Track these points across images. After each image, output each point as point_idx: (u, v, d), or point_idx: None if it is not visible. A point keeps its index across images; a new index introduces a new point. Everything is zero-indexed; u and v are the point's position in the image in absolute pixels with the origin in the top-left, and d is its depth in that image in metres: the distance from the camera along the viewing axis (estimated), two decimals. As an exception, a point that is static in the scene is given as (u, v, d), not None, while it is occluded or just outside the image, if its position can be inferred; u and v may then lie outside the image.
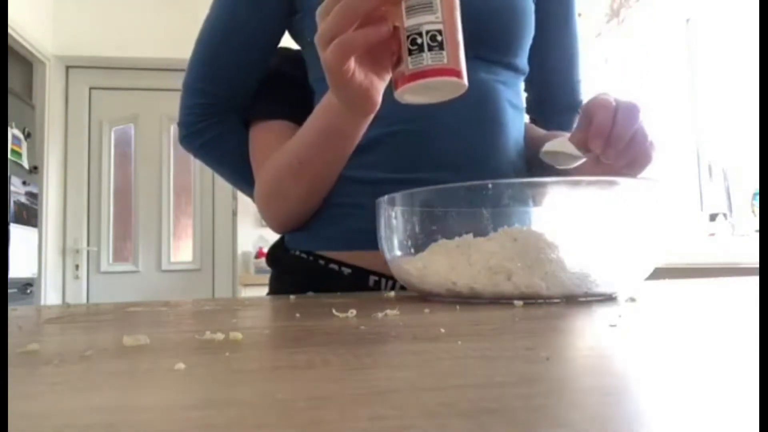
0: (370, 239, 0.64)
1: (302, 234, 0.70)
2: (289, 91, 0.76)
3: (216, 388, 0.18)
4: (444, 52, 0.39)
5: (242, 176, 0.76)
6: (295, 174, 0.65)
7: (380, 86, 0.49)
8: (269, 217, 0.72)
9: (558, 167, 0.60)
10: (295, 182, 0.65)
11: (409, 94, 0.42)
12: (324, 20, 0.44)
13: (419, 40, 0.39)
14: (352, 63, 0.45)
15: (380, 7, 0.42)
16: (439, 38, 0.39)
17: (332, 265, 0.67)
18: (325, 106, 0.59)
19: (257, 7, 0.71)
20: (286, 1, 0.72)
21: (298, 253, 0.70)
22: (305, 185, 0.66)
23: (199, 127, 0.76)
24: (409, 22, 0.39)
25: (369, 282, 0.65)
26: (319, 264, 0.68)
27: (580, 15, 0.55)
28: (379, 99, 0.50)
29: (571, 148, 0.57)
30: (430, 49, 0.38)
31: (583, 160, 0.57)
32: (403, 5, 0.39)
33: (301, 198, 0.67)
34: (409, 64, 0.39)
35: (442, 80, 0.39)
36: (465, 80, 0.41)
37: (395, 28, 0.40)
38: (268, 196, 0.69)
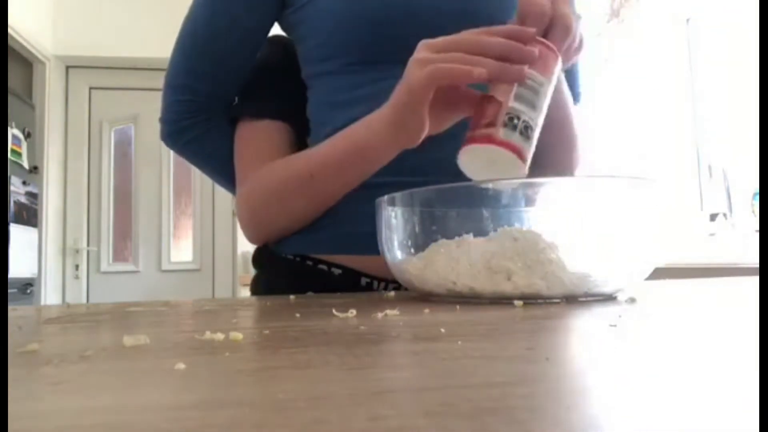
0: (361, 243, 0.62)
1: (290, 238, 0.67)
2: (279, 86, 0.73)
3: (216, 388, 0.18)
4: (529, 143, 0.45)
5: (228, 175, 0.74)
6: (304, 188, 0.62)
7: (430, 128, 0.51)
8: (257, 227, 0.69)
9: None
10: (301, 197, 0.63)
11: (473, 155, 0.46)
12: (433, 51, 0.48)
13: (516, 122, 0.44)
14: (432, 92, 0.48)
15: (494, 80, 0.46)
16: (529, 132, 0.45)
17: (321, 266, 0.65)
18: (366, 126, 0.57)
19: (246, 1, 0.69)
20: None
21: (284, 255, 0.68)
22: (312, 201, 0.63)
23: (182, 125, 0.73)
24: (513, 104, 0.45)
25: (360, 282, 0.64)
26: (307, 265, 0.66)
27: (580, 17, 0.54)
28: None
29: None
30: (521, 134, 0.45)
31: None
32: (515, 89, 0.45)
33: (304, 213, 0.64)
34: (501, 132, 0.44)
35: (516, 162, 0.45)
36: (526, 170, 0.46)
37: (492, 97, 0.46)
38: (264, 206, 0.66)
